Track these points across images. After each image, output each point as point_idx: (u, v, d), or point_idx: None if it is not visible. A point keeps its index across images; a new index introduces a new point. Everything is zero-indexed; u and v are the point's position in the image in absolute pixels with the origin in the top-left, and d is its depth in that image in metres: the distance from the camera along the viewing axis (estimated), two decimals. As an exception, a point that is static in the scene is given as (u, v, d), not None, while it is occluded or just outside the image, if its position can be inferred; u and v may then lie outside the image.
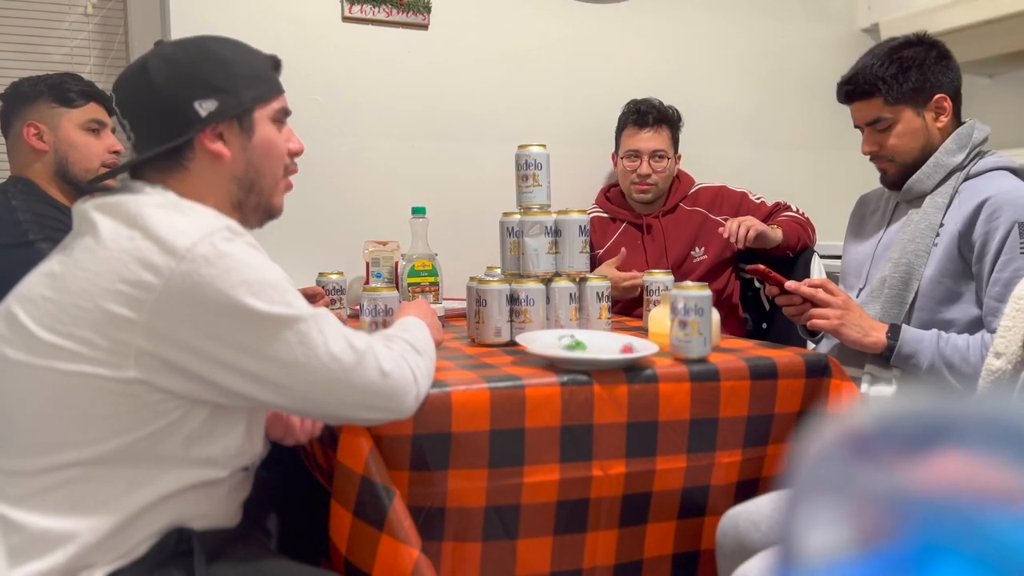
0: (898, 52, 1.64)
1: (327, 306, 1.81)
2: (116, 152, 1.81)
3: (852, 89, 1.67)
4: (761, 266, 1.62)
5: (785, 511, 0.31)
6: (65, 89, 1.75)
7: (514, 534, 1.24)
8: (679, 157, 2.41)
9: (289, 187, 1.20)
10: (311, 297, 1.80)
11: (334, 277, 1.84)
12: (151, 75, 1.07)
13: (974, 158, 1.63)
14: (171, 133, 1.07)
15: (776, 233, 2.22)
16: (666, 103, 2.42)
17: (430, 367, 1.19)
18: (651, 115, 2.34)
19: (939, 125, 1.64)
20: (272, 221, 1.20)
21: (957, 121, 1.67)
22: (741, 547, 1.26)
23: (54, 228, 1.62)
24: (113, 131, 1.82)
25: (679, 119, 2.41)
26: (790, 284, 1.58)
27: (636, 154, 2.34)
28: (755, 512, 1.28)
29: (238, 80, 1.11)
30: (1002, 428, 0.29)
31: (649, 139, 2.33)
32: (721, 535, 1.30)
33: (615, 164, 2.46)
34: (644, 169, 2.31)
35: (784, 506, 0.32)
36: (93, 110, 1.77)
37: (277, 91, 1.17)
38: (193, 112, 1.07)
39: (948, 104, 1.64)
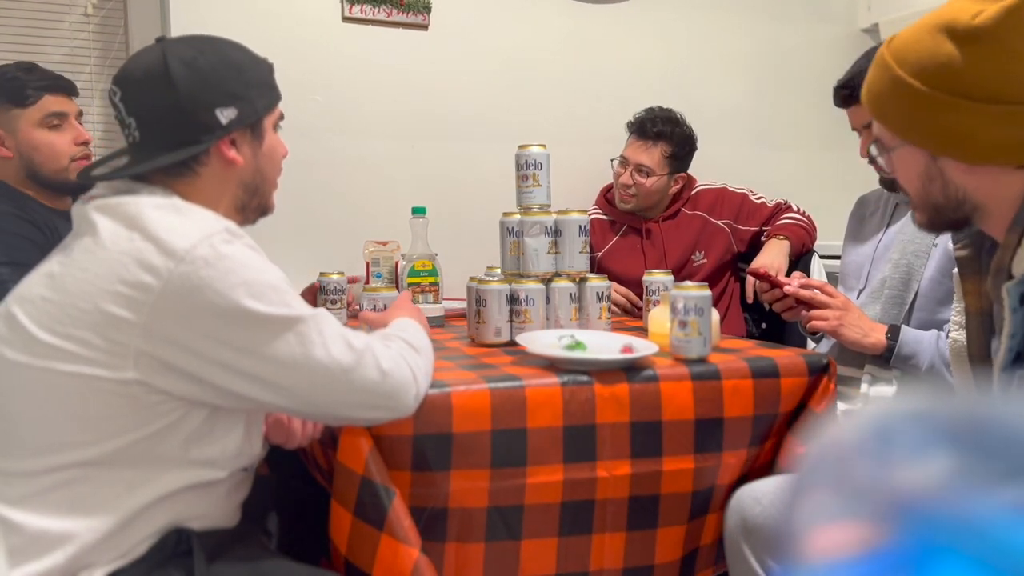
0: None
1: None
2: (84, 143, 1.72)
3: (848, 93, 1.67)
4: (761, 270, 1.62)
5: (786, 511, 0.31)
6: (18, 87, 1.65)
7: (517, 535, 1.24)
8: (680, 178, 2.34)
9: (276, 187, 1.21)
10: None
11: (335, 277, 1.84)
12: (173, 78, 1.05)
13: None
14: (189, 139, 1.06)
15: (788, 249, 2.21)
16: (662, 103, 2.36)
17: (429, 366, 1.19)
18: (649, 129, 2.29)
19: None
20: (270, 220, 1.22)
21: None
22: (743, 522, 1.30)
23: (21, 250, 1.55)
24: (79, 116, 1.74)
25: (688, 140, 2.32)
26: (789, 288, 1.58)
27: (624, 162, 2.32)
28: (757, 489, 1.32)
29: (252, 88, 1.12)
30: (1000, 429, 0.29)
31: (638, 151, 2.29)
32: (728, 513, 1.34)
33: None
34: (625, 179, 2.29)
35: (785, 506, 0.32)
36: (50, 103, 1.67)
37: (279, 98, 1.18)
38: (214, 119, 1.07)
39: None
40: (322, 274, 1.85)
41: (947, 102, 0.96)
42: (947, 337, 1.45)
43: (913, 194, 1.07)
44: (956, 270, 1.17)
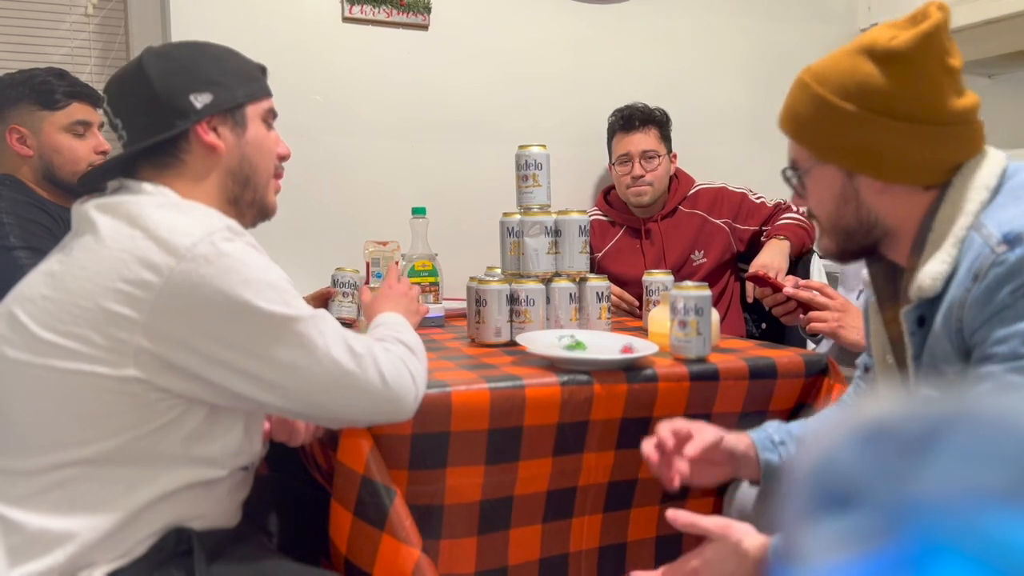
0: None
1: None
2: (103, 152, 1.76)
3: None
4: (760, 272, 1.62)
5: (786, 510, 0.31)
6: (49, 90, 1.70)
7: (507, 525, 1.25)
8: (674, 156, 2.40)
9: (278, 188, 1.22)
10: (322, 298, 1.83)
11: (349, 273, 1.86)
12: (146, 70, 1.09)
13: (973, 158, 1.63)
14: (166, 125, 1.08)
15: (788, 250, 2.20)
16: (663, 103, 2.41)
17: (424, 367, 1.19)
18: (636, 117, 2.35)
19: None
20: (269, 221, 1.22)
21: None
22: (742, 512, 1.31)
23: (37, 235, 1.59)
24: (101, 127, 1.79)
25: (666, 119, 2.40)
26: (788, 289, 1.59)
27: (627, 157, 2.33)
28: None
29: (231, 76, 1.13)
30: (1000, 427, 0.29)
31: (638, 141, 2.32)
32: (727, 503, 1.35)
33: (612, 174, 2.46)
34: (636, 170, 2.31)
35: (785, 505, 0.32)
36: (77, 110, 1.73)
37: (267, 92, 1.19)
38: (188, 104, 1.09)
39: None
40: (338, 269, 1.87)
41: (866, 119, 1.00)
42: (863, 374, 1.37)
43: (825, 217, 1.10)
44: (873, 300, 1.17)
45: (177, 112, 1.08)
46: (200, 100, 1.09)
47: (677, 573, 1.11)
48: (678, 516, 1.11)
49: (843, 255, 1.12)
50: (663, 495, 1.34)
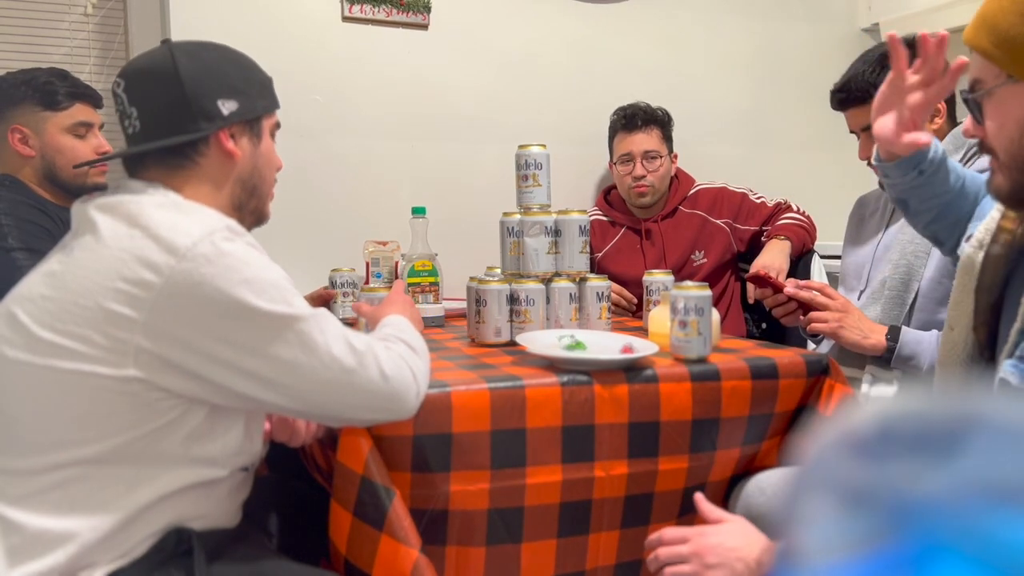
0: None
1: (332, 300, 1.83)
2: (104, 154, 1.76)
3: (845, 96, 1.67)
4: (761, 272, 1.62)
5: (786, 511, 0.31)
6: (51, 91, 1.70)
7: (518, 537, 1.24)
8: (675, 156, 2.40)
9: (272, 197, 1.23)
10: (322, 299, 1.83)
11: (346, 273, 1.86)
12: (179, 68, 1.08)
13: (971, 158, 1.63)
14: (189, 126, 1.08)
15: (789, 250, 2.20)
16: (663, 103, 2.41)
17: (427, 366, 1.19)
18: (639, 117, 2.35)
19: (934, 127, 1.65)
20: (271, 218, 1.23)
21: (952, 122, 1.67)
22: (748, 511, 1.31)
23: (36, 236, 1.60)
24: (102, 127, 1.79)
25: (668, 119, 2.40)
26: (788, 290, 1.59)
27: (629, 157, 2.33)
28: (763, 480, 1.33)
29: (254, 86, 1.15)
30: (1000, 427, 0.29)
31: (640, 141, 2.33)
32: (733, 503, 1.35)
33: (613, 172, 2.46)
34: (638, 171, 2.31)
35: (785, 506, 0.32)
36: (79, 111, 1.73)
37: (277, 105, 1.21)
38: (216, 109, 1.09)
39: (942, 106, 1.64)
40: (334, 270, 1.87)
41: None
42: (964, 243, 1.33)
43: (1007, 146, 0.97)
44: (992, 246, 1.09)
45: (204, 115, 1.09)
46: (227, 107, 1.10)
47: (688, 529, 1.10)
48: (701, 499, 1.13)
49: (1019, 194, 0.99)
50: (681, 509, 1.34)
